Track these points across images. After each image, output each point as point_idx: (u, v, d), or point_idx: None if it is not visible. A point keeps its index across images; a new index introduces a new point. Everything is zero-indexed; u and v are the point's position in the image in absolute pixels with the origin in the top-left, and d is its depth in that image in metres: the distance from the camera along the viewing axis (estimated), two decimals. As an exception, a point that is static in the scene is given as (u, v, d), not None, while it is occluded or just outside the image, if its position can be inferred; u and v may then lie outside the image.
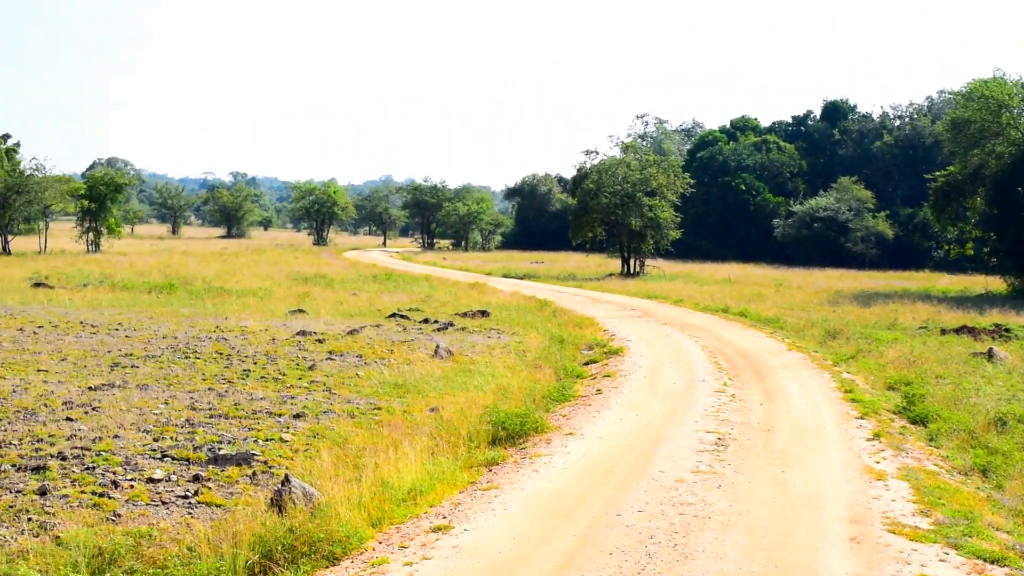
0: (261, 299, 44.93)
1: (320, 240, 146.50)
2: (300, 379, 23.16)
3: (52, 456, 15.42)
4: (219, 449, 16.15)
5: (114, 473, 14.65)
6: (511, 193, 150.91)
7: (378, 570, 11.57)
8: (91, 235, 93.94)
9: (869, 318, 39.80)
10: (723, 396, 22.60)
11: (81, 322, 33.10)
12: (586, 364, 28.17)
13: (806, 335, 34.35)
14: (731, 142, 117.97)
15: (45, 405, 19.17)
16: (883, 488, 15.11)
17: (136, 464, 15.20)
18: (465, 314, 39.20)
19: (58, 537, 11.86)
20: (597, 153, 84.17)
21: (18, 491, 13.66)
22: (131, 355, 26.00)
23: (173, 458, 15.65)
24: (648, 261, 76.30)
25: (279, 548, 11.70)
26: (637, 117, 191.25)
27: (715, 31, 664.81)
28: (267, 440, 16.96)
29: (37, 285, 49.32)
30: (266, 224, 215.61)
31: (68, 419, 18.01)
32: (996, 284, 59.79)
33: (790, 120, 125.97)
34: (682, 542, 12.37)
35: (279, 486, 13.26)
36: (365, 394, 21.59)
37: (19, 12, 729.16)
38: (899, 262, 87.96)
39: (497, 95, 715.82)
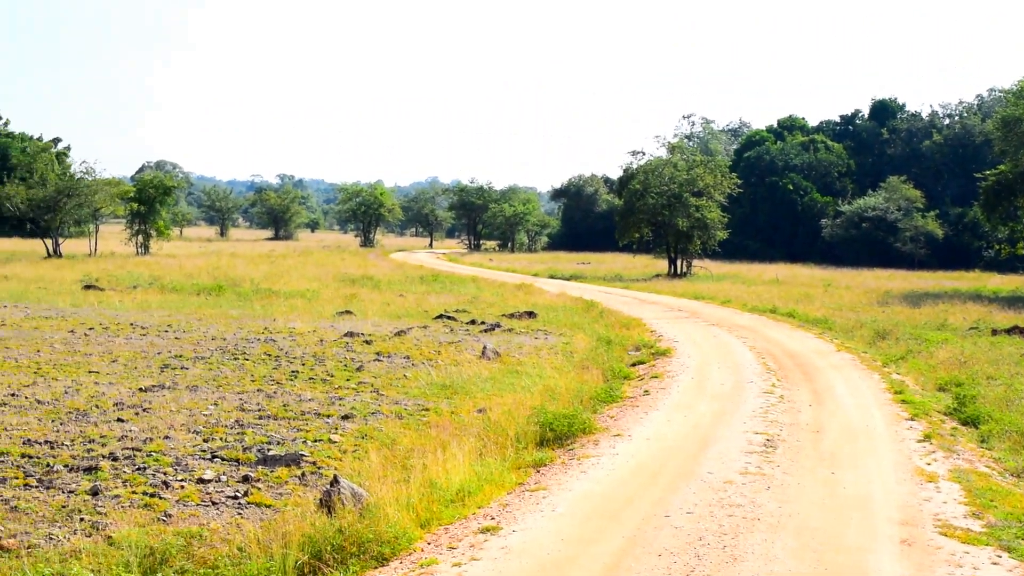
0: (309, 300, 45.10)
1: (367, 242, 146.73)
2: (348, 380, 23.24)
3: (104, 457, 15.55)
4: (268, 450, 16.23)
5: (165, 474, 14.76)
6: (557, 194, 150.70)
7: (427, 571, 11.59)
8: (140, 237, 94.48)
9: (919, 318, 39.46)
10: (771, 397, 22.49)
11: (131, 324, 33.36)
12: (633, 365, 28.11)
13: (855, 336, 34.11)
14: (778, 142, 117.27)
15: (96, 406, 19.34)
16: (934, 490, 14.99)
17: (186, 465, 15.31)
18: (512, 315, 39.20)
19: (110, 537, 11.96)
20: (643, 153, 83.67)
21: (70, 491, 13.78)
22: (181, 357, 26.18)
23: (223, 459, 15.75)
24: (695, 262, 75.94)
25: (328, 548, 11.75)
26: (683, 117, 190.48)
27: (763, 30, 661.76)
28: (316, 441, 17.03)
29: (88, 287, 49.73)
30: (313, 226, 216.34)
31: (119, 420, 18.16)
32: (1048, 284, 59.17)
33: (838, 119, 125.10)
34: (731, 544, 12.32)
35: (328, 487, 13.31)
36: (413, 395, 21.64)
37: (71, 17, 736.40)
38: (949, 262, 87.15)
39: (542, 96, 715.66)
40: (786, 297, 49.84)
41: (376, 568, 11.81)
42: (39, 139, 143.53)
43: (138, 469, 14.92)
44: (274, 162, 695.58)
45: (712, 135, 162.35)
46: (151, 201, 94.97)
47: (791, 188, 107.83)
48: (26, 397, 20.01)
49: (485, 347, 27.74)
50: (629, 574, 11.38)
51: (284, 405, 19.97)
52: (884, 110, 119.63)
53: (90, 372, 23.50)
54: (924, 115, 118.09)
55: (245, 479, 14.69)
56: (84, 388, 21.25)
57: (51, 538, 11.95)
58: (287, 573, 11.32)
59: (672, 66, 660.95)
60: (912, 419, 20.28)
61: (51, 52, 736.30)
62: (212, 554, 11.60)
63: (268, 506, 13.50)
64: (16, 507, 13.00)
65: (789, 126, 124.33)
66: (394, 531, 12.38)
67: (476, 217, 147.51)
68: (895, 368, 27.18)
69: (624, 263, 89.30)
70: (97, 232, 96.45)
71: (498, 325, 35.33)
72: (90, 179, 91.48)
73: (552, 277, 71.24)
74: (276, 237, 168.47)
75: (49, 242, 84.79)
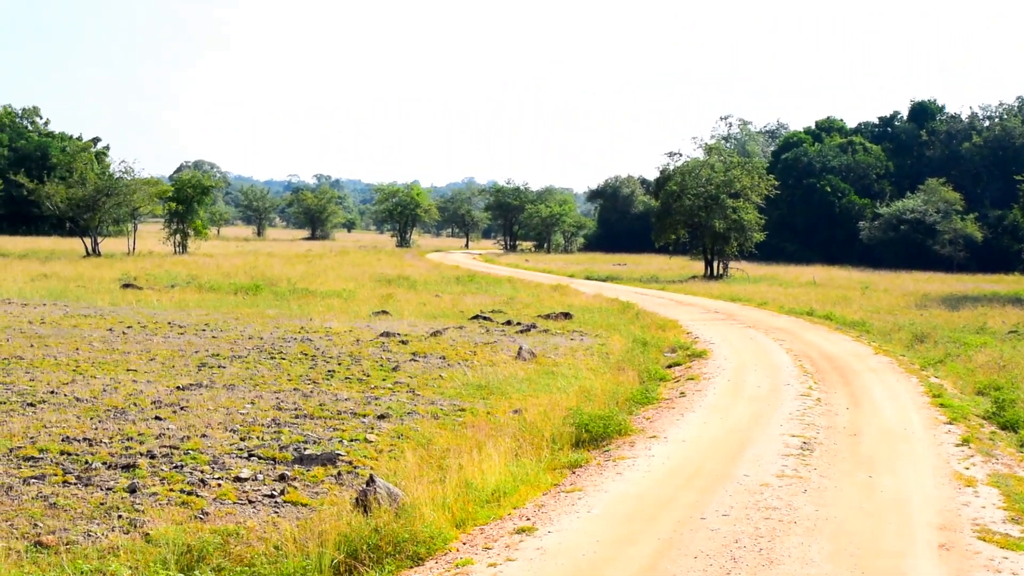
0: (345, 300, 45.21)
1: (403, 242, 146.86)
2: (384, 380, 23.28)
3: (141, 454, 15.65)
4: (305, 449, 16.28)
5: (202, 472, 14.84)
6: (593, 195, 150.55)
7: (462, 571, 11.61)
8: (178, 237, 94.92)
9: (957, 322, 39.19)
10: (808, 400, 22.39)
11: (169, 323, 33.54)
12: (669, 367, 28.05)
13: (893, 339, 33.90)
14: (816, 143, 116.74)
15: (135, 404, 19.46)
16: (972, 494, 14.88)
17: (223, 463, 15.38)
18: (548, 316, 39.17)
19: (147, 534, 12.03)
20: (680, 155, 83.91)
21: (109, 488, 13.87)
22: (218, 355, 26.30)
23: (260, 457, 15.81)
24: (732, 263, 75.65)
25: (364, 548, 11.78)
26: (721, 118, 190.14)
27: (801, 31, 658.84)
28: (352, 440, 17.07)
29: (126, 286, 50.03)
30: (349, 226, 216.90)
31: (157, 418, 18.27)
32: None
33: (876, 121, 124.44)
34: (767, 547, 12.27)
35: (364, 486, 13.35)
36: (448, 395, 21.66)
37: (111, 18, 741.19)
38: (988, 265, 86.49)
39: (579, 97, 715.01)
40: (823, 299, 49.59)
41: (412, 568, 11.84)
42: (79, 139, 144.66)
43: (176, 467, 15.01)
44: (311, 162, 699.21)
45: (749, 136, 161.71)
46: (189, 201, 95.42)
47: (829, 190, 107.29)
48: (65, 395, 20.16)
49: (521, 348, 27.74)
50: (665, 576, 11.37)
51: (320, 404, 20.04)
52: (923, 112, 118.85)
53: (128, 370, 23.65)
54: (964, 117, 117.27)
55: (281, 478, 14.74)
56: (122, 386, 21.38)
57: (89, 535, 12.03)
58: (323, 572, 11.36)
59: (708, 66, 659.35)
60: (950, 423, 20.14)
61: (91, 52, 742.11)
62: (249, 552, 11.65)
63: (304, 505, 13.54)
64: (55, 504, 13.10)
65: (827, 127, 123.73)
66: (430, 531, 12.41)
67: (512, 218, 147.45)
68: (933, 371, 26.99)
69: (660, 264, 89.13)
70: (135, 231, 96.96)
71: (534, 326, 35.31)
72: (129, 178, 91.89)
73: (588, 278, 71.14)
74: (313, 237, 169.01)
75: (88, 241, 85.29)
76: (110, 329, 31.35)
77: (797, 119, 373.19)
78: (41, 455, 15.44)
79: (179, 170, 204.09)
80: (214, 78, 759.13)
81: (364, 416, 19.05)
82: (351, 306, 42.39)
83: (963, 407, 21.65)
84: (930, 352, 30.25)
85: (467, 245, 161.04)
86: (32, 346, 27.00)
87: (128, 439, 16.64)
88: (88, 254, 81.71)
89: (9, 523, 12.38)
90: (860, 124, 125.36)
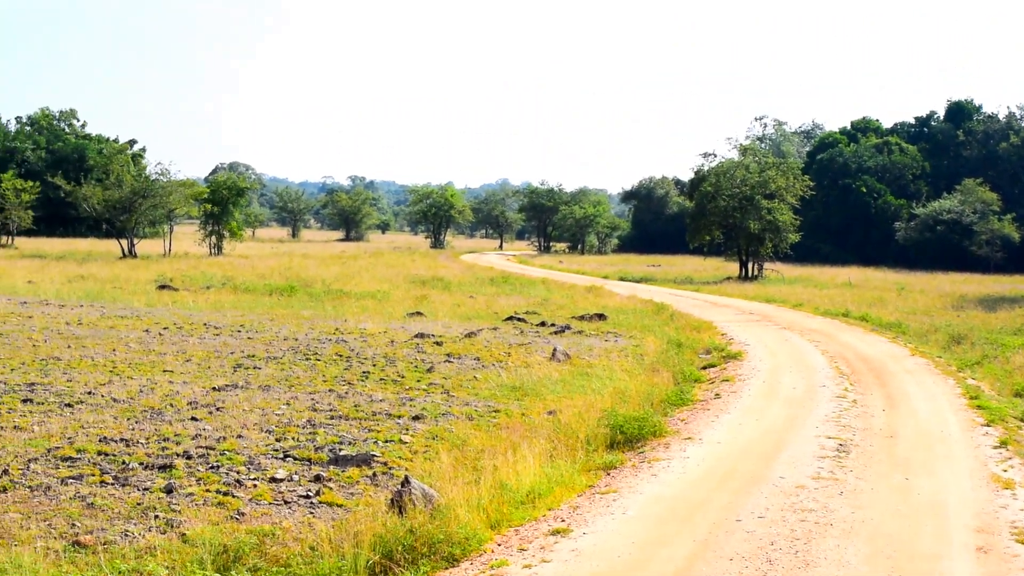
0: (379, 301, 45.31)
1: (437, 243, 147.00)
2: (419, 381, 23.32)
3: (178, 455, 15.72)
4: (340, 450, 16.32)
5: (238, 472, 14.90)
6: (627, 196, 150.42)
7: (497, 572, 11.61)
8: (213, 238, 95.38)
9: (995, 323, 38.93)
10: (844, 402, 22.28)
11: (204, 324, 33.71)
12: (704, 368, 27.97)
13: (929, 340, 33.71)
14: (851, 144, 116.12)
15: (171, 405, 19.56)
16: (1011, 497, 14.76)
17: (259, 464, 15.44)
18: (582, 317, 39.14)
19: (184, 534, 12.08)
20: (715, 155, 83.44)
21: (145, 489, 13.94)
22: (253, 356, 26.41)
23: (295, 458, 15.86)
24: (767, 264, 75.37)
25: (399, 549, 11.79)
26: (755, 119, 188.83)
27: (837, 31, 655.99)
28: (387, 441, 17.10)
29: (162, 287, 50.32)
30: (384, 227, 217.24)
31: (193, 419, 18.36)
32: None
33: (912, 121, 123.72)
34: (803, 549, 12.22)
35: (399, 487, 13.36)
36: (483, 397, 21.67)
37: (146, 22, 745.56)
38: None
39: (614, 98, 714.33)
40: (859, 301, 49.33)
41: (447, 569, 11.84)
42: (115, 141, 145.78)
43: (212, 467, 15.07)
44: (346, 164, 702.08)
45: (784, 137, 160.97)
46: (224, 202, 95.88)
47: (864, 190, 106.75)
48: (102, 395, 20.29)
49: (555, 349, 27.72)
50: (700, 578, 11.34)
51: (355, 405, 20.09)
52: (960, 112, 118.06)
53: (164, 371, 23.78)
54: (1001, 116, 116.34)
55: (317, 478, 14.78)
56: (159, 387, 21.50)
57: (127, 535, 12.10)
58: (359, 572, 11.38)
59: (742, 66, 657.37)
60: (988, 425, 19.99)
61: (128, 56, 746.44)
62: (285, 552, 11.68)
63: (340, 506, 13.57)
64: (93, 504, 13.18)
65: (863, 128, 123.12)
66: (465, 532, 12.41)
67: (546, 219, 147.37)
68: (970, 373, 26.81)
69: (695, 266, 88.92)
70: (171, 233, 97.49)
71: (568, 327, 35.29)
72: (165, 180, 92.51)
73: (622, 279, 71.04)
74: (347, 238, 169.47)
75: (124, 242, 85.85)
76: (146, 330, 31.54)
77: (833, 119, 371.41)
78: (79, 455, 15.54)
79: (214, 172, 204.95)
80: (250, 81, 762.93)
81: (399, 417, 19.09)
82: (385, 307, 42.49)
83: (1001, 409, 21.50)
84: (967, 353, 30.06)
85: (501, 246, 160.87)
86: (70, 347, 27.20)
87: (164, 440, 16.73)
88: (124, 255, 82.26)
89: (47, 523, 12.47)
90: (896, 124, 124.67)
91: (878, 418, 20.51)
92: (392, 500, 13.11)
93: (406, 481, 13.36)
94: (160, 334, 30.58)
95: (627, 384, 23.01)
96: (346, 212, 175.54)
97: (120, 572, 10.99)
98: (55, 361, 24.72)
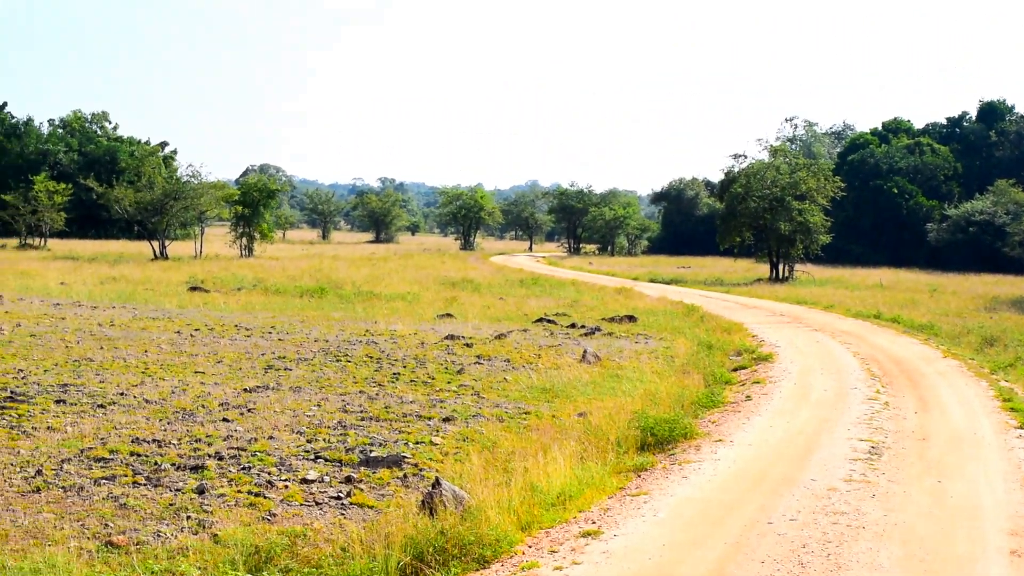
0: (409, 303, 45.39)
1: (467, 245, 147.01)
2: (449, 383, 23.35)
3: (210, 456, 15.80)
4: (370, 451, 16.36)
5: (269, 473, 14.95)
6: (657, 198, 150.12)
7: (528, 574, 11.60)
8: (244, 240, 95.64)
9: (1028, 325, 38.64)
10: (876, 404, 22.17)
11: (236, 325, 33.84)
12: (735, 370, 27.89)
13: (962, 342, 33.50)
14: (883, 145, 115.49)
15: (202, 406, 19.65)
16: (1045, 500, 14.67)
17: (290, 465, 15.49)
18: (612, 319, 39.10)
19: (216, 535, 12.13)
20: (745, 157, 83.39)
21: (177, 489, 14.02)
22: (284, 358, 26.50)
23: (326, 459, 15.91)
24: (797, 266, 75.00)
25: (430, 550, 11.79)
26: (786, 120, 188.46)
27: (869, 32, 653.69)
28: (417, 443, 17.13)
29: (193, 289, 50.50)
30: (413, 229, 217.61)
31: (224, 420, 18.44)
32: None
33: (944, 122, 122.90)
34: (835, 552, 12.17)
35: (430, 489, 13.37)
36: (513, 398, 21.68)
37: (175, 25, 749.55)
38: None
39: (643, 98, 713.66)
40: (890, 302, 49.06)
41: (477, 570, 11.84)
42: (147, 143, 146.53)
43: (243, 468, 15.13)
44: (375, 165, 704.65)
45: (815, 138, 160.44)
46: (255, 204, 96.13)
47: (896, 192, 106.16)
48: (135, 396, 20.40)
49: (585, 351, 27.70)
50: (732, 581, 11.31)
51: (386, 407, 20.13)
52: (992, 112, 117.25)
53: (196, 372, 23.89)
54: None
55: (348, 480, 14.82)
56: (190, 388, 21.61)
57: (159, 535, 12.16)
58: (390, 574, 11.38)
59: (774, 67, 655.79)
60: (1021, 427, 19.85)
61: (158, 58, 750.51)
62: (316, 554, 11.71)
63: (370, 507, 13.60)
64: (125, 504, 13.26)
65: (894, 129, 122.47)
66: (495, 534, 12.40)
67: (576, 221, 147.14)
68: (1004, 375, 26.62)
69: (725, 267, 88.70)
70: (202, 234, 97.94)
71: (598, 329, 35.26)
72: (196, 182, 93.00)
73: (652, 281, 70.88)
74: (377, 240, 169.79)
75: (156, 244, 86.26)
76: (178, 331, 31.68)
77: (863, 120, 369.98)
78: (111, 456, 15.63)
79: (245, 174, 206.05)
80: (281, 83, 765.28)
81: (429, 419, 19.12)
82: (415, 309, 42.55)
83: (1035, 411, 21.35)
84: (1000, 356, 29.85)
85: (531, 248, 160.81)
86: (102, 348, 27.36)
87: (196, 441, 16.81)
88: (156, 257, 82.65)
89: (80, 523, 12.55)
90: (928, 125, 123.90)
91: (910, 420, 20.40)
92: (423, 501, 13.12)
93: (437, 483, 13.37)
94: (192, 335, 30.72)
95: (657, 386, 22.97)
96: (376, 214, 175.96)
97: (153, 572, 11.05)
98: (88, 362, 24.88)
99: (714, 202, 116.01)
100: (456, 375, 24.48)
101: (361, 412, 19.57)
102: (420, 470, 15.44)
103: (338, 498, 13.96)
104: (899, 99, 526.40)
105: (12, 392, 20.41)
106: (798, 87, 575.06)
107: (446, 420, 19.03)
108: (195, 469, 14.99)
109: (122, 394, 20.62)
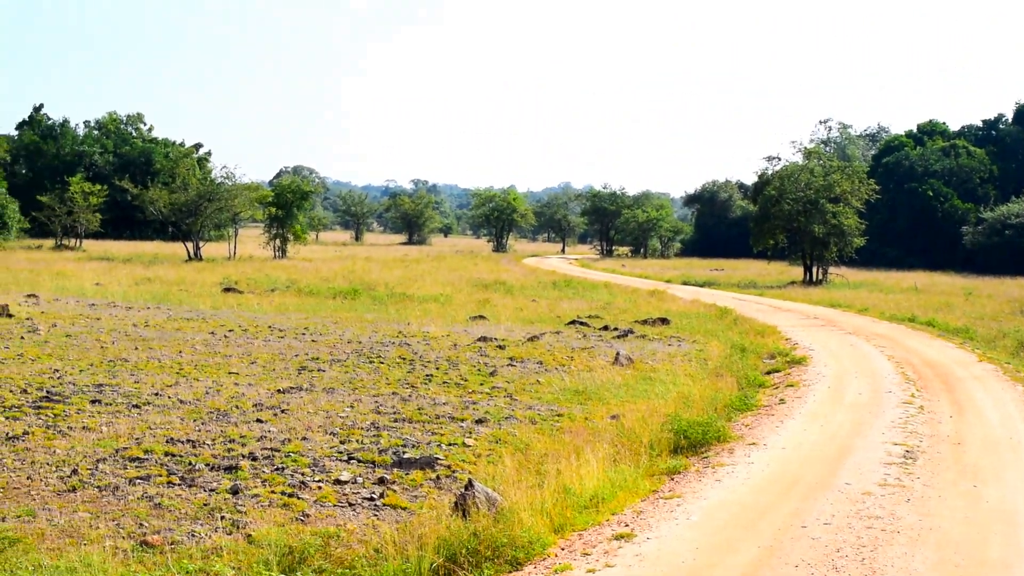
0: (442, 305, 45.45)
1: (499, 247, 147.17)
2: (482, 385, 23.36)
3: (243, 456, 15.86)
4: (403, 453, 16.38)
5: (302, 474, 15.00)
6: (690, 200, 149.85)
7: (561, 576, 11.61)
8: (278, 241, 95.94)
9: (1065, 329, 38.34)
10: (911, 408, 22.04)
11: (269, 326, 33.97)
12: (768, 373, 27.78)
13: (998, 346, 33.28)
14: (918, 147, 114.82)
15: (236, 407, 19.73)
16: (1082, 505, 14.55)
17: (323, 466, 15.53)
18: (645, 321, 39.03)
19: (250, 535, 12.18)
20: (779, 159, 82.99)
21: (212, 489, 14.08)
22: (317, 359, 26.58)
23: (359, 460, 15.94)
24: (831, 269, 74.68)
25: (463, 552, 11.79)
26: (820, 122, 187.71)
27: (904, 34, 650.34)
28: (450, 445, 17.14)
29: (227, 290, 50.72)
30: (446, 231, 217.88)
31: (258, 421, 18.52)
32: None
33: (980, 124, 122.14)
34: (870, 556, 12.10)
35: (463, 490, 13.38)
36: (546, 400, 21.68)
37: (209, 28, 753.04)
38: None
39: (676, 99, 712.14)
40: (925, 306, 48.77)
41: (510, 572, 11.84)
42: (181, 145, 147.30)
43: (277, 469, 15.18)
44: (408, 167, 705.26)
45: (849, 140, 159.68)
46: (288, 206, 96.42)
47: (931, 194, 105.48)
48: (169, 397, 20.51)
49: (618, 353, 27.66)
50: (765, 585, 11.27)
51: (419, 408, 20.16)
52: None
53: (230, 373, 24.00)
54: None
55: (381, 481, 14.85)
56: (224, 389, 21.70)
57: (193, 535, 12.21)
58: (422, 575, 11.40)
59: (809, 69, 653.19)
60: (1058, 432, 19.71)
61: (193, 61, 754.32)
62: (349, 554, 11.73)
63: (403, 508, 13.62)
64: (160, 504, 13.33)
65: (929, 131, 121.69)
66: (528, 536, 12.40)
67: (608, 223, 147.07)
68: (1040, 379, 26.44)
69: (758, 270, 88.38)
70: (236, 236, 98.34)
71: (631, 331, 35.21)
72: (230, 184, 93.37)
73: (685, 283, 70.74)
74: (410, 242, 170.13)
75: (190, 245, 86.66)
76: (212, 332, 31.83)
77: (898, 123, 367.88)
78: (146, 456, 15.72)
79: (279, 175, 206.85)
80: (314, 86, 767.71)
81: (462, 420, 19.13)
82: (448, 311, 42.61)
83: (1072, 416, 21.19)
84: (1036, 360, 29.65)
85: (563, 250, 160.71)
86: (137, 349, 27.51)
87: (230, 441, 16.88)
88: (190, 258, 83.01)
89: (116, 522, 12.62)
90: (963, 127, 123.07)
91: (945, 424, 20.27)
92: (456, 503, 13.13)
93: (470, 484, 13.38)
94: (225, 336, 30.85)
95: (691, 389, 22.92)
96: (409, 216, 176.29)
97: (187, 572, 11.09)
98: (123, 363, 25.03)
99: (747, 204, 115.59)
100: (489, 377, 24.50)
101: (394, 413, 19.61)
102: (453, 472, 15.46)
103: (371, 499, 13.98)
104: (934, 101, 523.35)
105: (48, 392, 20.57)
106: (833, 89, 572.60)
107: (479, 422, 19.04)
108: (229, 469, 15.06)
109: (157, 394, 20.74)
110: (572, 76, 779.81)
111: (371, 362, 26.30)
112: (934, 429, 19.76)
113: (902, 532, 13.05)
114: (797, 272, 77.63)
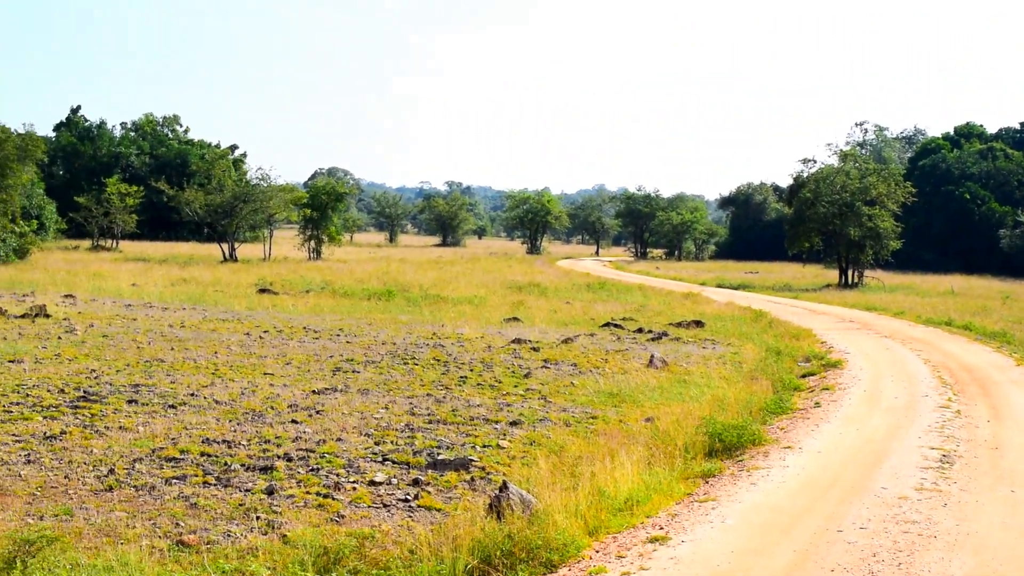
0: (476, 307, 45.48)
1: (533, 249, 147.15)
2: (516, 387, 23.35)
3: (279, 457, 15.92)
4: (438, 454, 16.39)
5: (337, 475, 15.03)
6: (725, 202, 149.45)
7: (595, 579, 11.59)
8: (312, 243, 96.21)
9: (1104, 333, 37.99)
10: (947, 412, 21.90)
11: (304, 327, 34.07)
12: (803, 376, 27.66)
13: (1035, 350, 33.03)
14: (955, 150, 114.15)
15: (271, 407, 19.81)
16: (1121, 512, 14.41)
17: (358, 467, 15.56)
18: (679, 324, 38.94)
19: (285, 536, 12.22)
20: (815, 161, 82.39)
21: (247, 490, 14.14)
22: (352, 360, 26.64)
23: (393, 462, 15.96)
24: (867, 272, 74.31)
25: (498, 554, 11.79)
26: (856, 124, 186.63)
27: (942, 35, 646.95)
28: (484, 446, 17.15)
29: (262, 291, 50.93)
30: (480, 233, 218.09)
31: (293, 421, 18.58)
32: None
33: (1017, 127, 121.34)
34: (906, 561, 12.03)
35: (497, 492, 13.38)
36: (580, 403, 21.65)
37: (244, 30, 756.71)
38: None
39: (709, 101, 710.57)
40: (962, 309, 48.44)
41: (544, 575, 11.83)
42: (217, 146, 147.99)
43: (312, 470, 15.23)
44: (443, 169, 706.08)
45: (885, 143, 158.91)
46: (323, 207, 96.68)
47: (968, 197, 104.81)
48: (204, 397, 20.61)
49: (652, 356, 27.60)
50: (801, 589, 11.22)
51: (453, 410, 20.17)
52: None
53: (265, 374, 24.09)
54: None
55: (415, 482, 14.86)
56: (259, 389, 21.79)
57: (229, 535, 12.27)
58: (457, 576, 11.42)
59: (844, 70, 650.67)
60: (1097, 438, 19.53)
61: (228, 63, 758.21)
62: (384, 555, 11.75)
63: (438, 510, 13.63)
64: (196, 504, 13.39)
65: (966, 134, 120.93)
66: (563, 538, 12.38)
67: (643, 225, 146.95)
68: (1079, 384, 26.21)
69: (793, 273, 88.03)
70: (271, 237, 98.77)
71: (665, 334, 35.13)
72: (265, 185, 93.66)
73: (719, 286, 70.55)
74: (444, 243, 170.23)
75: (225, 246, 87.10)
76: (247, 333, 31.96)
77: (935, 125, 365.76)
78: (182, 456, 15.80)
79: (313, 177, 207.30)
80: (350, 87, 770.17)
81: (496, 422, 19.13)
82: (482, 312, 42.64)
83: (1110, 421, 20.99)
84: (1075, 365, 29.39)
85: (597, 252, 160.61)
86: (173, 349, 27.66)
87: (265, 442, 16.95)
88: (225, 259, 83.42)
89: (152, 522, 12.68)
90: (1001, 130, 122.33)
91: (983, 429, 20.13)
92: (490, 505, 13.13)
93: (504, 486, 13.37)
94: (260, 337, 30.97)
95: (725, 392, 22.84)
96: (443, 217, 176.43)
97: (223, 572, 11.14)
98: (159, 363, 25.17)
99: (782, 207, 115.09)
100: (523, 379, 24.49)
101: (428, 415, 19.63)
102: (487, 473, 15.46)
103: (406, 500, 14.00)
104: (972, 104, 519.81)
105: (85, 392, 20.70)
106: (868, 90, 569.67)
107: (513, 424, 19.04)
108: (264, 470, 15.12)
109: (192, 395, 20.85)
110: (608, 78, 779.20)
111: (405, 363, 26.34)
112: (971, 434, 19.63)
113: (939, 537, 12.96)
114: (832, 275, 77.26)
